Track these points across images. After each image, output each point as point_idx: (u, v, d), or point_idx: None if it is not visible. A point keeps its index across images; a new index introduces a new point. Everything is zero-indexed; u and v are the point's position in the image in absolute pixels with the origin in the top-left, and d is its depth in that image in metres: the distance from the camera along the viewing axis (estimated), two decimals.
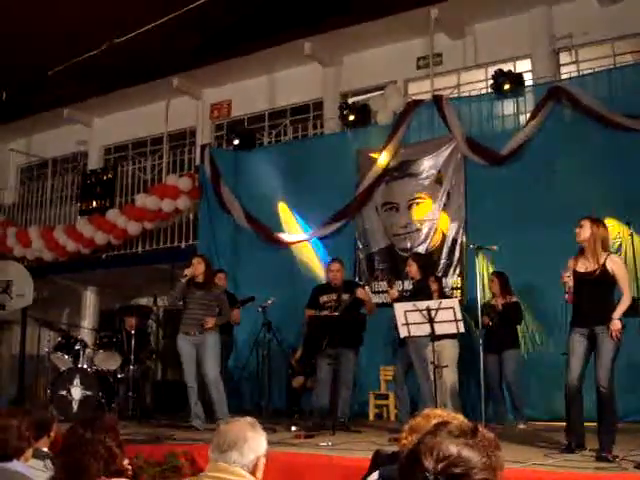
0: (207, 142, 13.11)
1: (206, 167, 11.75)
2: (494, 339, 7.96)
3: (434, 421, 2.72)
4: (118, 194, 13.58)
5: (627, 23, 10.03)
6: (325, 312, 8.03)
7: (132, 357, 9.30)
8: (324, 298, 8.18)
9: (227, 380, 9.76)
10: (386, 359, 9.47)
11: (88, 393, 8.93)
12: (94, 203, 13.67)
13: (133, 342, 9.33)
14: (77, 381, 9.01)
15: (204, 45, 13.05)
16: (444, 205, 9.80)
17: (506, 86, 9.55)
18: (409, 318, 6.94)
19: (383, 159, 10.26)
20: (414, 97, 11.18)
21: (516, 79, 9.69)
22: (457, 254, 9.60)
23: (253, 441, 2.84)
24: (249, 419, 3.00)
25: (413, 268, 7.86)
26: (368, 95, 11.94)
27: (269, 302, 9.09)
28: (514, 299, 8.31)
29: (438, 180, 9.91)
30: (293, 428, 7.54)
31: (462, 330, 7.00)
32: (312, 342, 8.64)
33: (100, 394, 9.01)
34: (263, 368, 9.21)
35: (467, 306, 8.59)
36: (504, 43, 11.02)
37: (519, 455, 5.25)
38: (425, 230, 9.89)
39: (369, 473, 3.16)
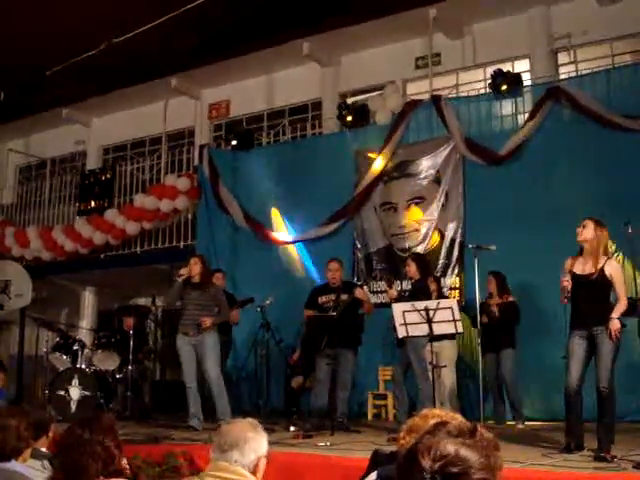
0: (205, 142, 13.11)
1: (204, 167, 11.75)
2: (491, 339, 7.97)
3: (432, 421, 2.72)
4: (116, 194, 13.58)
5: (626, 23, 10.04)
6: (323, 312, 8.05)
7: (130, 357, 9.30)
8: (323, 299, 8.18)
9: (225, 380, 9.77)
10: (385, 359, 9.47)
11: (86, 393, 8.93)
12: (92, 203, 13.66)
13: (131, 342, 9.33)
14: (75, 381, 9.01)
15: (202, 45, 13.05)
16: (442, 205, 9.80)
17: (504, 86, 9.55)
18: (407, 318, 6.93)
19: (381, 159, 10.25)
20: (413, 97, 11.19)
21: (514, 79, 9.69)
22: (456, 254, 9.60)
23: (254, 441, 2.85)
24: (251, 420, 3.01)
25: (412, 268, 7.86)
26: (367, 95, 11.95)
27: (267, 302, 9.10)
28: (511, 299, 8.31)
29: (437, 180, 9.91)
30: (292, 428, 7.54)
31: (460, 330, 7.00)
32: (310, 342, 8.65)
33: (98, 394, 9.01)
34: (262, 368, 9.22)
35: (466, 306, 8.59)
36: (503, 43, 11.02)
37: (518, 455, 5.25)
38: (424, 230, 9.90)
39: (367, 473, 3.16)
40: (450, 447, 1.52)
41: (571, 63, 10.90)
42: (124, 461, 3.02)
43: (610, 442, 5.44)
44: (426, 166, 10.02)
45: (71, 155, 16.26)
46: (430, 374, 7.12)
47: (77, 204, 14.03)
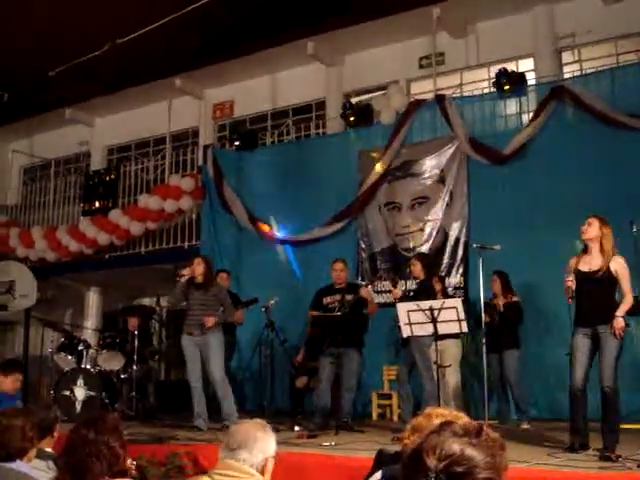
0: (210, 142, 13.12)
1: (209, 167, 11.75)
2: (495, 338, 7.96)
3: (436, 420, 2.73)
4: (121, 194, 13.59)
5: (630, 22, 10.00)
6: (327, 312, 8.07)
7: (135, 357, 9.31)
8: (327, 299, 8.20)
9: (230, 381, 9.77)
10: (389, 359, 9.47)
11: (91, 393, 8.95)
12: (97, 203, 13.67)
13: (136, 342, 9.33)
14: (80, 381, 9.02)
15: (206, 45, 13.05)
16: (447, 205, 9.79)
17: (508, 85, 9.54)
18: (412, 318, 6.94)
19: (386, 159, 10.25)
20: (416, 97, 11.18)
21: (519, 78, 9.68)
22: (460, 253, 9.59)
23: (263, 442, 2.88)
24: (259, 420, 3.04)
25: (417, 268, 7.86)
26: (370, 95, 11.96)
27: (272, 302, 9.09)
28: (515, 298, 8.30)
29: (441, 180, 9.91)
30: (296, 428, 7.55)
31: (465, 330, 7.00)
32: (315, 342, 8.66)
33: (103, 394, 9.02)
34: (266, 368, 9.21)
35: (470, 305, 8.58)
36: (506, 42, 11.00)
37: (523, 454, 5.25)
38: (428, 230, 9.89)
39: (372, 473, 3.16)
40: (455, 446, 1.52)
41: (575, 62, 10.89)
42: (129, 461, 3.03)
43: (615, 441, 5.43)
44: (430, 166, 10.01)
45: (75, 156, 16.28)
46: (435, 373, 7.12)
47: (81, 205, 14.05)
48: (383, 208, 10.32)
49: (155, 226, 12.46)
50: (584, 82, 9.33)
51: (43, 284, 12.97)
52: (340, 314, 7.91)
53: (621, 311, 5.64)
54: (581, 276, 5.82)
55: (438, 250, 9.72)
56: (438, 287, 8.17)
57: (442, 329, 6.89)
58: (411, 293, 8.38)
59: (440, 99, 10.08)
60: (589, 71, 10.06)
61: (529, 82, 9.91)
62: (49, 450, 4.11)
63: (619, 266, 5.75)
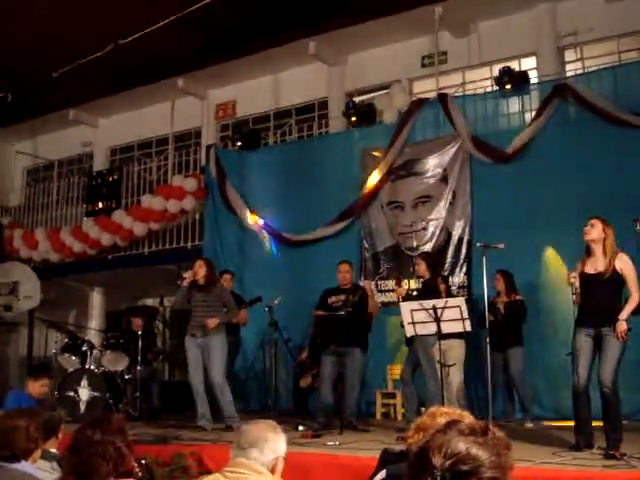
0: (212, 142, 13.12)
1: (211, 167, 11.76)
2: (499, 337, 7.95)
3: (440, 419, 2.73)
4: (124, 195, 13.61)
5: (632, 20, 9.99)
6: (331, 311, 8.09)
7: (139, 358, 9.32)
8: (332, 299, 8.22)
9: (234, 380, 9.78)
10: (393, 358, 9.47)
11: (96, 394, 8.95)
12: (100, 204, 13.68)
13: (140, 343, 9.34)
14: (85, 382, 9.03)
15: (209, 46, 13.06)
16: (450, 204, 9.79)
17: (511, 84, 9.53)
18: (415, 317, 6.94)
19: (388, 158, 10.24)
20: (419, 96, 11.18)
21: (521, 77, 9.67)
22: (463, 252, 9.59)
23: (273, 442, 2.93)
24: (270, 421, 3.10)
25: (422, 267, 7.87)
26: (373, 94, 11.96)
27: (276, 302, 9.10)
28: (519, 297, 8.30)
29: (443, 179, 9.90)
30: (300, 428, 7.55)
31: (469, 329, 7.00)
32: (317, 341, 8.69)
33: (107, 395, 9.03)
34: (270, 368, 9.22)
35: (473, 304, 8.58)
36: (509, 41, 10.99)
37: (527, 453, 5.24)
38: (431, 229, 9.89)
39: (377, 472, 3.17)
40: (461, 445, 1.52)
41: (578, 60, 10.87)
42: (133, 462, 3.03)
43: (619, 440, 5.42)
44: (433, 165, 10.01)
45: (78, 156, 16.31)
46: (438, 373, 7.12)
47: (84, 205, 14.06)
48: (386, 207, 10.32)
49: (158, 226, 12.47)
50: (586, 80, 9.32)
51: (47, 285, 13.01)
52: (343, 313, 7.92)
53: (625, 313, 5.62)
54: (587, 278, 5.80)
55: (441, 249, 9.71)
56: (442, 287, 8.17)
57: (446, 328, 6.89)
58: (414, 292, 8.39)
59: (442, 98, 10.07)
60: (591, 69, 10.06)
61: (531, 80, 9.91)
62: (54, 451, 4.12)
63: (624, 264, 5.74)
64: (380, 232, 10.32)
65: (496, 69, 10.08)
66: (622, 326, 5.59)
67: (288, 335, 9.57)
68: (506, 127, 9.75)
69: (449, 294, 8.28)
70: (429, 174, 10.04)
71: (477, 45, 11.49)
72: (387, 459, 3.27)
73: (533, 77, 10.25)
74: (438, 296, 7.41)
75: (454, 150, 9.83)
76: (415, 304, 7.06)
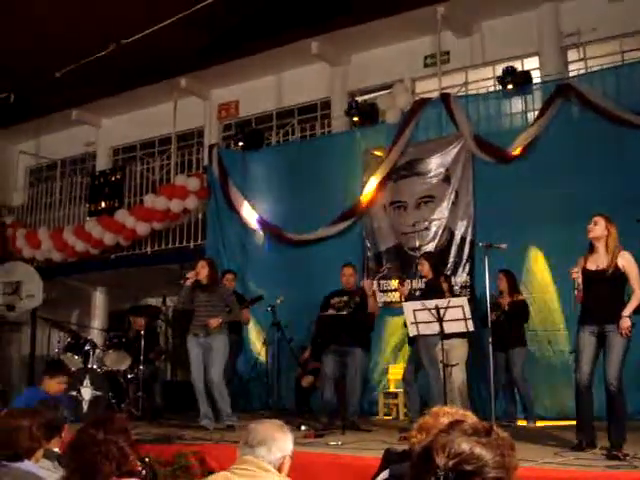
0: (215, 142, 13.13)
1: (214, 167, 11.77)
2: (501, 337, 7.94)
3: (443, 419, 2.74)
4: (127, 195, 13.61)
5: (635, 19, 9.97)
6: (332, 311, 8.11)
7: (142, 357, 9.32)
8: (335, 300, 8.24)
9: (236, 379, 9.79)
10: (395, 358, 9.47)
11: (98, 393, 8.95)
12: (103, 204, 13.70)
13: (142, 342, 9.35)
14: (87, 381, 9.02)
15: (211, 45, 13.06)
16: (452, 203, 9.78)
17: (514, 84, 9.53)
18: (418, 317, 6.94)
19: (391, 158, 10.24)
20: (422, 95, 11.18)
21: (524, 76, 9.66)
22: (466, 252, 9.58)
23: (281, 441, 2.98)
24: (277, 421, 3.16)
25: (425, 267, 7.87)
26: (376, 94, 11.95)
27: (278, 301, 9.11)
28: (521, 297, 8.29)
29: (446, 178, 9.89)
30: (303, 427, 7.54)
31: (471, 329, 7.00)
32: (319, 341, 8.70)
33: (110, 394, 9.03)
34: (272, 367, 9.22)
35: (476, 304, 8.57)
36: (511, 41, 10.98)
37: (529, 453, 5.24)
38: (434, 229, 9.88)
39: (379, 472, 3.17)
40: (465, 445, 1.52)
41: (580, 60, 10.86)
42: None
43: (622, 440, 5.42)
44: (435, 164, 10.00)
45: (81, 156, 16.33)
46: (441, 372, 7.12)
47: (87, 205, 14.07)
48: (389, 207, 10.31)
49: (161, 226, 12.48)
50: (589, 80, 9.31)
51: (49, 284, 13.03)
52: (345, 313, 7.94)
53: (628, 310, 5.63)
54: (589, 275, 5.81)
55: (444, 249, 9.70)
56: (445, 286, 8.17)
57: (448, 328, 6.89)
58: (417, 292, 8.39)
59: (445, 98, 10.07)
60: (594, 69, 10.04)
61: (534, 80, 9.89)
62: (57, 450, 4.12)
63: (627, 262, 5.74)
64: (383, 232, 10.31)
65: (499, 69, 10.08)
66: (626, 322, 5.59)
67: (290, 335, 9.57)
68: (509, 127, 9.74)
69: (452, 294, 8.28)
70: (432, 174, 10.03)
71: (480, 45, 11.49)
72: (390, 459, 3.27)
73: (536, 77, 10.23)
74: (441, 296, 7.41)
75: (457, 150, 9.82)
76: (418, 304, 7.06)
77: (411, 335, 7.23)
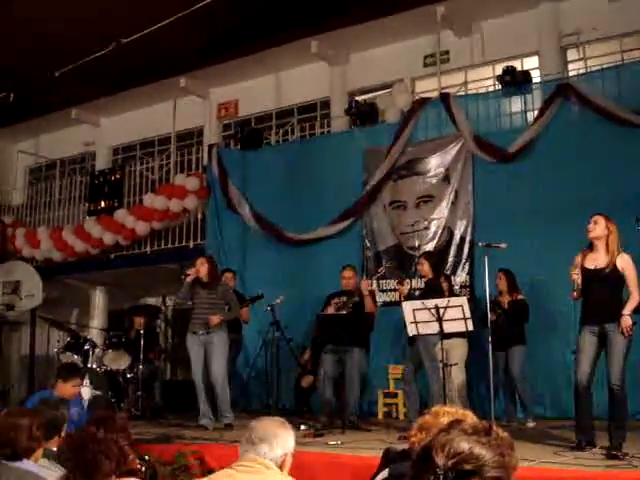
0: (214, 142, 13.12)
1: (213, 167, 11.77)
2: (501, 336, 7.94)
3: (443, 419, 2.74)
4: (126, 194, 13.61)
5: (635, 19, 9.96)
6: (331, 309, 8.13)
7: (141, 357, 9.33)
8: (335, 300, 8.26)
9: (236, 379, 9.78)
10: (395, 357, 9.47)
11: (97, 393, 8.94)
12: (102, 203, 13.69)
13: (142, 342, 9.35)
14: (86, 381, 9.01)
15: (211, 45, 13.05)
16: (452, 203, 9.78)
17: (513, 83, 9.53)
18: (418, 316, 6.94)
19: (391, 157, 10.24)
20: (421, 95, 11.17)
21: (523, 76, 9.66)
22: (465, 252, 9.59)
23: (282, 438, 2.99)
24: (279, 418, 3.18)
25: (425, 267, 7.87)
26: (375, 93, 11.96)
27: (278, 301, 9.10)
28: (521, 296, 8.30)
29: (446, 178, 9.89)
30: (302, 427, 7.55)
31: (471, 328, 7.00)
32: (318, 341, 8.71)
33: (109, 394, 9.03)
34: (272, 367, 9.22)
35: (475, 304, 8.58)
36: (511, 40, 10.98)
37: (529, 453, 5.25)
38: (433, 228, 9.88)
39: (379, 471, 3.17)
40: (464, 444, 1.52)
41: (580, 60, 10.85)
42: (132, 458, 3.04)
43: (622, 439, 5.42)
44: (435, 164, 10.01)
45: (80, 156, 16.32)
46: (440, 372, 7.12)
47: (87, 204, 14.07)
48: (388, 207, 10.31)
49: (160, 226, 12.47)
50: (589, 80, 9.32)
51: (49, 284, 13.02)
52: (344, 313, 7.96)
53: (628, 309, 5.63)
54: (588, 274, 5.82)
55: (443, 249, 9.70)
56: (445, 286, 8.17)
57: (448, 327, 6.90)
58: (417, 292, 8.39)
59: (445, 97, 10.07)
60: (594, 69, 10.04)
61: (534, 80, 9.90)
62: (56, 450, 4.12)
63: (625, 263, 5.75)
64: (382, 231, 10.31)
65: (498, 68, 10.09)
66: (627, 321, 5.59)
67: (290, 334, 9.56)
68: (508, 127, 9.74)
69: (452, 293, 8.29)
70: (431, 173, 10.03)
71: (479, 44, 11.48)
72: (390, 458, 3.27)
73: (536, 76, 10.23)
74: (441, 295, 7.42)
75: (456, 149, 9.83)
76: (417, 303, 7.07)
77: (411, 335, 7.22)
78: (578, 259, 5.96)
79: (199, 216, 12.51)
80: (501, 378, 8.21)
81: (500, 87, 9.83)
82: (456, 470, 1.49)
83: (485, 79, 11.35)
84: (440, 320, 6.83)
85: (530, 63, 10.94)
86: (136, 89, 13.91)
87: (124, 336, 9.93)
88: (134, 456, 2.96)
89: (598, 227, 5.85)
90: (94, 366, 9.34)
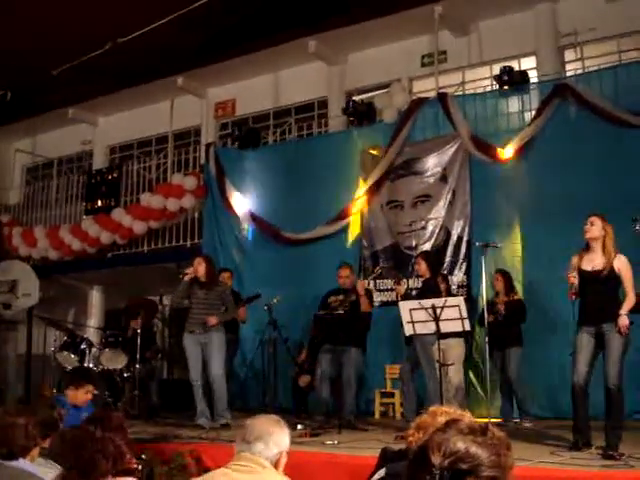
0: (212, 141, 13.11)
1: (211, 166, 11.76)
2: (498, 337, 7.95)
3: (440, 418, 2.74)
4: (123, 193, 13.61)
5: (633, 20, 9.97)
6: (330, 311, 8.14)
7: (138, 356, 9.32)
8: (332, 299, 8.26)
9: (233, 379, 9.78)
10: (392, 357, 9.47)
11: (94, 392, 8.93)
12: (99, 202, 13.69)
13: (139, 341, 9.34)
14: None
15: (208, 44, 13.05)
16: (449, 203, 9.79)
17: (511, 84, 9.53)
18: (414, 316, 6.94)
19: (388, 157, 10.23)
20: (419, 95, 11.18)
21: (521, 76, 9.66)
22: (462, 252, 9.59)
23: (277, 436, 2.99)
24: (274, 416, 3.17)
25: (422, 266, 7.86)
26: (373, 93, 11.96)
27: (275, 300, 9.10)
28: (518, 297, 8.30)
29: (443, 178, 9.90)
30: (299, 427, 7.54)
31: (468, 328, 7.00)
32: (316, 340, 8.71)
33: (106, 393, 9.02)
34: (269, 366, 9.21)
35: (472, 304, 8.58)
36: (509, 40, 10.99)
37: (525, 453, 5.25)
38: (430, 228, 9.88)
39: (376, 470, 3.17)
40: (460, 444, 1.52)
41: (578, 60, 10.86)
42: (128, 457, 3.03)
43: (618, 440, 5.43)
44: (432, 164, 10.01)
45: (77, 155, 16.31)
46: (437, 372, 7.12)
47: (84, 203, 14.07)
48: (385, 206, 10.31)
49: (157, 225, 12.47)
50: (586, 80, 9.31)
51: (46, 283, 13.01)
52: (341, 312, 7.95)
53: (625, 309, 5.64)
54: (585, 275, 5.82)
55: (440, 248, 9.70)
56: (443, 286, 8.17)
57: (445, 327, 6.89)
58: (413, 292, 8.39)
59: (442, 97, 10.07)
60: (592, 69, 10.04)
61: (531, 80, 9.90)
62: (47, 446, 4.11)
63: (622, 265, 5.75)
64: (379, 231, 10.32)
65: (496, 68, 10.08)
66: (624, 320, 5.60)
67: (287, 334, 9.56)
68: (506, 127, 9.73)
69: (450, 293, 8.29)
70: (429, 173, 10.03)
71: (477, 44, 11.49)
72: (387, 458, 3.28)
73: (533, 77, 10.24)
74: (438, 295, 7.41)
75: (454, 149, 9.83)
76: (414, 303, 7.06)
77: (407, 334, 7.22)
78: (575, 260, 5.96)
79: (196, 215, 12.50)
80: (498, 378, 8.22)
81: (497, 87, 9.83)
82: (452, 469, 1.49)
83: (482, 79, 11.35)
84: (437, 320, 6.82)
85: (527, 63, 10.94)
86: (133, 88, 13.91)
87: (121, 335, 9.92)
88: (131, 455, 2.96)
89: (595, 228, 5.85)
90: (91, 365, 9.32)
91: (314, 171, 10.84)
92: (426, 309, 6.85)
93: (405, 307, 7.04)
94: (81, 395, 5.98)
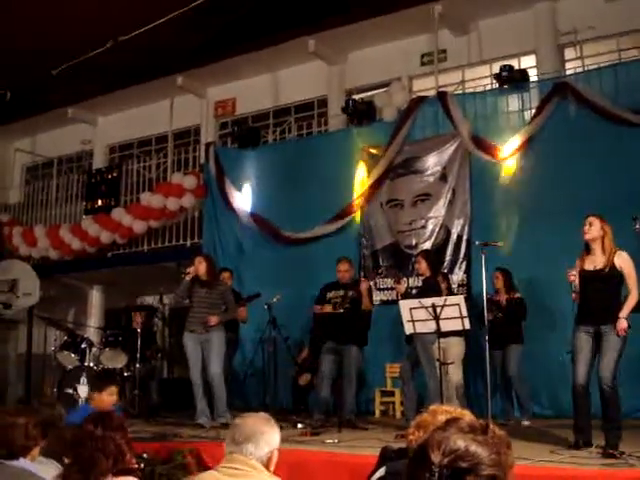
0: (212, 140, 13.11)
1: (211, 165, 11.76)
2: (498, 335, 7.95)
3: (440, 417, 2.74)
4: (123, 193, 13.61)
5: (632, 18, 9.97)
6: (329, 307, 8.10)
7: (138, 355, 9.32)
8: (331, 294, 8.23)
9: (233, 378, 9.78)
10: (392, 356, 9.47)
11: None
12: (99, 202, 13.69)
13: (139, 340, 9.34)
14: (84, 379, 9.01)
15: (208, 43, 13.05)
16: (449, 202, 9.78)
17: (510, 82, 9.53)
18: (414, 315, 6.94)
19: (388, 156, 10.23)
20: (418, 94, 11.17)
21: (521, 75, 9.66)
22: (462, 251, 9.59)
23: (268, 435, 2.93)
24: (264, 414, 3.10)
25: (422, 265, 7.87)
26: (373, 92, 11.95)
27: (275, 299, 9.10)
28: (518, 295, 8.30)
29: (443, 177, 9.89)
30: (299, 425, 7.55)
31: (468, 327, 7.00)
32: (317, 339, 8.70)
33: None
34: (269, 365, 9.22)
35: (472, 302, 8.58)
36: (508, 39, 10.99)
37: (526, 451, 5.25)
38: (430, 227, 9.88)
39: (377, 469, 3.17)
40: (460, 442, 1.52)
41: (578, 59, 10.85)
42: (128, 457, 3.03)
43: (618, 438, 5.42)
44: (432, 163, 10.00)
45: (77, 154, 16.30)
46: (437, 371, 7.12)
47: (84, 203, 14.07)
48: (385, 205, 10.31)
49: (157, 224, 12.47)
50: (586, 78, 9.31)
51: (46, 282, 12.99)
52: (342, 311, 7.95)
53: (625, 311, 5.62)
54: (587, 275, 5.80)
55: (440, 247, 9.70)
56: (443, 285, 8.16)
57: (445, 326, 6.89)
58: (414, 290, 8.39)
59: (442, 96, 10.06)
60: (591, 67, 10.04)
61: (531, 78, 9.89)
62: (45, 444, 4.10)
63: (624, 261, 5.74)
64: (379, 230, 10.32)
65: (496, 67, 10.08)
66: (622, 324, 5.59)
67: (287, 333, 9.57)
68: (505, 125, 9.72)
69: (450, 292, 8.28)
70: (428, 172, 10.03)
71: (477, 43, 11.49)
72: (387, 456, 3.27)
73: (533, 75, 10.23)
74: (439, 294, 7.41)
75: (453, 148, 9.82)
76: (414, 302, 7.06)
77: (407, 333, 7.22)
78: (577, 263, 5.95)
79: (196, 214, 12.51)
80: (498, 376, 8.22)
81: (497, 86, 9.83)
82: (452, 468, 1.49)
83: (482, 78, 11.34)
84: (437, 319, 6.82)
85: (527, 62, 10.94)
86: (133, 87, 13.90)
87: (121, 335, 9.92)
88: (131, 454, 2.96)
89: (593, 228, 5.84)
90: (91, 365, 9.32)
91: (314, 170, 10.84)
92: (426, 308, 6.85)
93: (405, 306, 7.04)
94: (106, 398, 5.88)
